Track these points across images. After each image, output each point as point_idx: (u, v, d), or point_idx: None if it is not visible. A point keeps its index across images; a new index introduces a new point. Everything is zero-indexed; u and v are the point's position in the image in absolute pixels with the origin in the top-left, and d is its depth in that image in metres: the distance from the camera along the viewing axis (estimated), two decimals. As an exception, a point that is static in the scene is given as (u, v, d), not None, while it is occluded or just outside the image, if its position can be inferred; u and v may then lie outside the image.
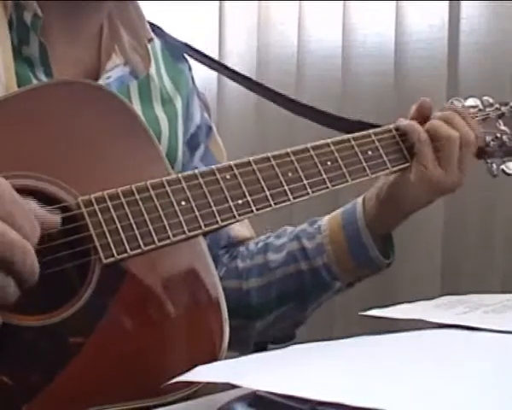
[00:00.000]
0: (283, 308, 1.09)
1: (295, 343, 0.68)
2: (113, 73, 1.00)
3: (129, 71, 1.02)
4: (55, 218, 0.75)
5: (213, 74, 2.00)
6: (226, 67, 1.19)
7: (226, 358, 0.81)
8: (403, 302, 0.81)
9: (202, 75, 1.18)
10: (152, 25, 1.07)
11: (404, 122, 1.02)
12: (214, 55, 2.00)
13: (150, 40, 1.04)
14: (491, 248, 1.76)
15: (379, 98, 1.84)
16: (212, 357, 0.81)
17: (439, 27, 1.79)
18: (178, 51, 1.13)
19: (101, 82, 0.98)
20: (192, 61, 1.16)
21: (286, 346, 0.67)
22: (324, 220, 1.08)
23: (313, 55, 1.95)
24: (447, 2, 1.78)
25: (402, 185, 1.01)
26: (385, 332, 0.69)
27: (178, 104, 1.10)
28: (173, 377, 0.61)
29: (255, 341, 1.12)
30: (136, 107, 1.03)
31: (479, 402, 0.51)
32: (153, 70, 1.07)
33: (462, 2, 1.77)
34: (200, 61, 1.15)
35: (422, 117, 1.03)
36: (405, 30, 1.83)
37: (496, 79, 1.71)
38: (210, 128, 1.16)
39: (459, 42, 1.78)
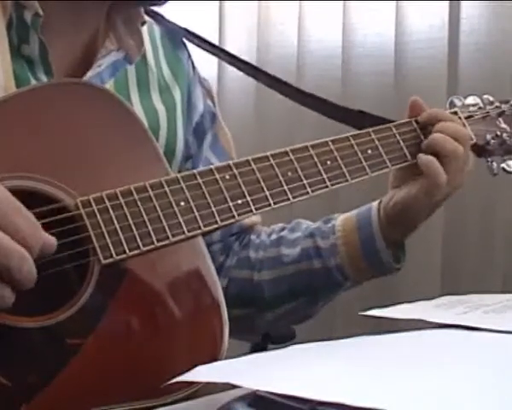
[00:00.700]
0: (294, 303, 1.10)
1: (295, 343, 0.68)
2: (105, 61, 0.99)
3: (123, 56, 1.01)
4: (51, 239, 0.75)
5: (213, 74, 2.00)
6: (226, 52, 1.18)
7: (228, 357, 0.81)
8: (403, 302, 0.81)
9: (202, 75, 1.18)
10: (152, 12, 1.07)
11: (422, 160, 1.00)
12: (214, 54, 2.00)
13: (143, 23, 1.03)
14: (491, 248, 1.76)
15: (379, 98, 1.84)
16: (213, 357, 0.81)
17: (439, 27, 1.79)
18: (178, 38, 1.13)
19: (91, 72, 0.97)
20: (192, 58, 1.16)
21: (286, 346, 0.67)
22: (339, 220, 1.09)
23: (313, 55, 1.95)
24: (447, 2, 1.78)
25: (412, 207, 1.01)
26: (385, 332, 0.69)
27: (177, 94, 1.09)
28: (173, 377, 0.61)
29: (264, 332, 1.13)
30: (134, 96, 1.03)
31: (479, 402, 0.51)
32: (151, 57, 1.06)
33: (462, 2, 1.78)
34: (201, 47, 1.14)
35: (416, 115, 1.04)
36: (405, 30, 1.84)
37: (496, 79, 1.71)
38: (214, 115, 1.15)
39: (459, 42, 1.78)
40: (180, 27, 1.13)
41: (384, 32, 1.86)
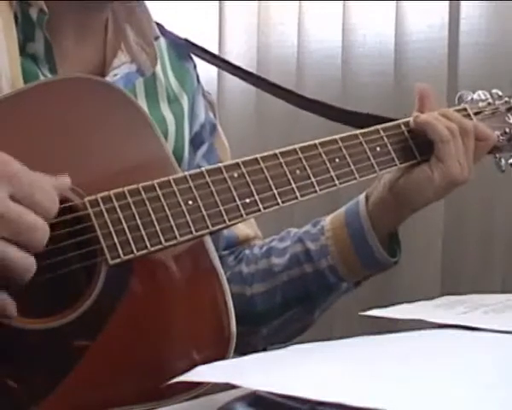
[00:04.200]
0: (289, 313, 1.07)
1: (295, 343, 0.68)
2: (120, 71, 0.99)
3: (136, 69, 1.01)
4: (65, 180, 0.76)
5: (213, 75, 2.00)
6: (227, 62, 1.19)
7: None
8: (403, 302, 0.81)
9: (202, 76, 1.18)
10: (156, 24, 1.07)
11: (421, 118, 1.00)
12: (214, 55, 2.00)
13: (157, 38, 1.04)
14: (490, 248, 1.76)
15: (379, 98, 1.84)
16: (222, 352, 0.81)
17: (439, 27, 1.79)
18: (183, 50, 1.13)
19: (107, 79, 0.97)
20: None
21: (286, 346, 0.67)
22: (327, 221, 1.07)
23: (313, 55, 1.95)
24: (447, 2, 1.78)
25: (418, 182, 0.99)
26: (385, 332, 0.69)
27: (185, 103, 1.09)
28: (174, 376, 0.61)
29: (263, 346, 1.10)
30: (143, 105, 1.03)
31: (479, 402, 0.51)
32: (159, 69, 1.06)
33: (462, 2, 1.77)
34: (201, 57, 1.15)
35: (427, 106, 1.03)
36: (405, 30, 1.83)
37: (496, 79, 1.71)
38: (214, 126, 1.15)
39: (459, 42, 1.78)
40: (180, 38, 1.13)
41: (384, 32, 1.86)
